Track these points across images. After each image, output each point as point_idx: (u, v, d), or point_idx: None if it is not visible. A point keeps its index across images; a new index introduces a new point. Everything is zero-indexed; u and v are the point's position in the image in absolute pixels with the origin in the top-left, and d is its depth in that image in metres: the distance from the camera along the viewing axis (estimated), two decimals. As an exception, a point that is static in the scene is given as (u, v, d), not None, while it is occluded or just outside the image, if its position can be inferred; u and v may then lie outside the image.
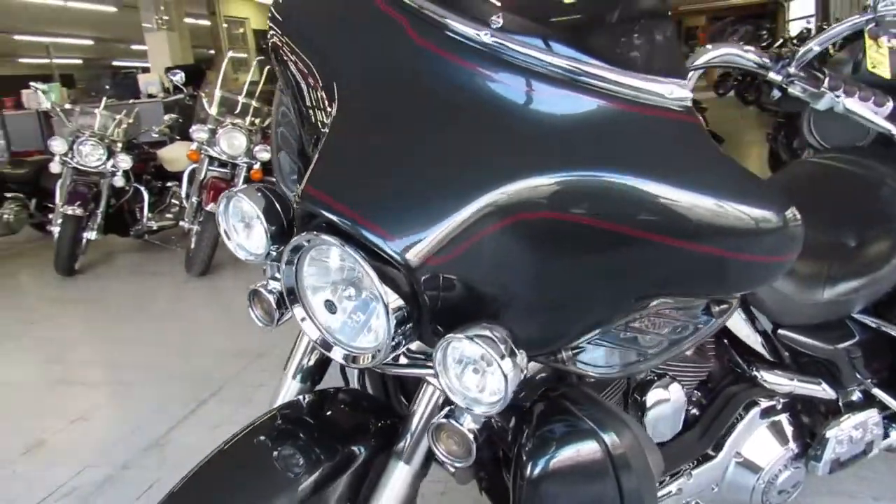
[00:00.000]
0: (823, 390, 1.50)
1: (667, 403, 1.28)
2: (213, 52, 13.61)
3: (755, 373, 1.47)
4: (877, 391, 1.56)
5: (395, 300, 0.88)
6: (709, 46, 1.06)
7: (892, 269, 1.44)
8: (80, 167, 4.90)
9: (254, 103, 4.76)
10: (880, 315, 1.53)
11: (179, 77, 5.28)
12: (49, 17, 13.35)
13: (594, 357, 1.03)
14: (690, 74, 1.08)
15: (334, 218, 0.89)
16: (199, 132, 4.54)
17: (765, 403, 1.46)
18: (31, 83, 5.43)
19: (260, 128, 4.74)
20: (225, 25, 13.73)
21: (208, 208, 4.44)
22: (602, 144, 0.89)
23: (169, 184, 5.67)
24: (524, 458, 1.01)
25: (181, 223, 4.96)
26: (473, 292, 0.92)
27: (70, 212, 4.78)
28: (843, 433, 1.49)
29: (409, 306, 0.90)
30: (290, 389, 1.23)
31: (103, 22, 14.50)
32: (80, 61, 22.21)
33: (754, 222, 0.88)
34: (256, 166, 4.64)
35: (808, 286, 1.42)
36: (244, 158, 4.60)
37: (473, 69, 0.93)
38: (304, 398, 1.20)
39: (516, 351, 0.89)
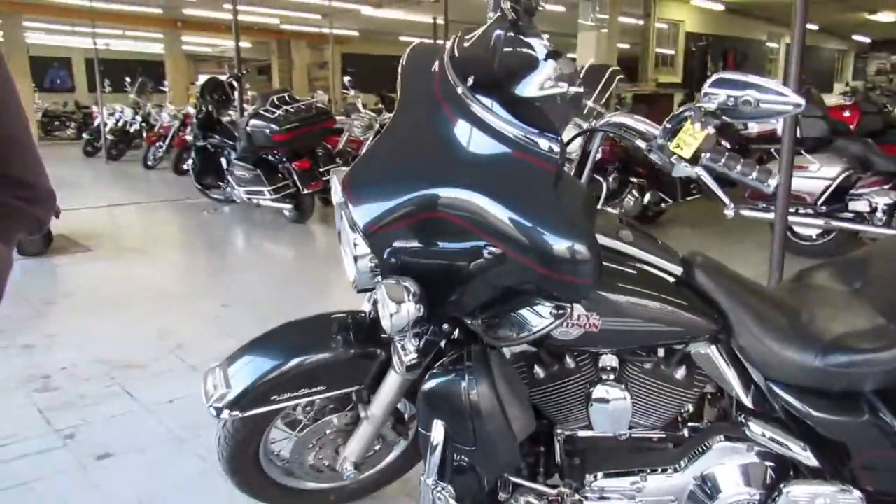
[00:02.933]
0: (807, 457, 1.51)
1: (606, 404, 1.54)
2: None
3: (741, 417, 1.57)
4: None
5: (362, 249, 1.44)
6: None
7: (892, 356, 1.38)
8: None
9: (598, 108, 5.27)
10: (887, 400, 1.45)
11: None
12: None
13: (491, 328, 1.42)
14: (601, 134, 1.35)
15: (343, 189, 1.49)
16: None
17: (740, 444, 1.56)
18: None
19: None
20: (658, 27, 14.21)
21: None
22: (495, 175, 1.30)
23: None
24: (425, 378, 1.48)
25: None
26: (408, 257, 1.41)
27: None
28: (802, 495, 1.48)
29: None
30: (364, 305, 1.84)
31: (554, 18, 16.19)
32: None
33: (569, 253, 1.22)
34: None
35: (802, 348, 1.46)
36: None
37: (449, 113, 1.40)
38: (370, 312, 1.80)
39: (408, 302, 1.35)
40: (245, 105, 8.24)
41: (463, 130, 1.35)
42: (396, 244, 1.40)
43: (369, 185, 1.46)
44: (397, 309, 1.36)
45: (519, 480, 1.61)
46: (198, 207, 7.40)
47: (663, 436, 1.66)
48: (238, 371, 1.69)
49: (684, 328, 1.50)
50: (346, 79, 7.55)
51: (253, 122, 6.13)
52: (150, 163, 10.46)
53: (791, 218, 5.13)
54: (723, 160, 1.21)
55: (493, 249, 1.30)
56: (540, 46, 1.33)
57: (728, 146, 5.92)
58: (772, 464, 1.56)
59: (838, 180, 4.82)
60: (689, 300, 1.51)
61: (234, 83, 7.41)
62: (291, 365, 1.67)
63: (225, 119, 7.17)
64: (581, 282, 1.25)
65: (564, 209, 1.25)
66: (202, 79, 7.84)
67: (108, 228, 6.51)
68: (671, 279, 1.53)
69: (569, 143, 1.35)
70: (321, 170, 6.30)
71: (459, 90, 1.37)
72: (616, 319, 1.44)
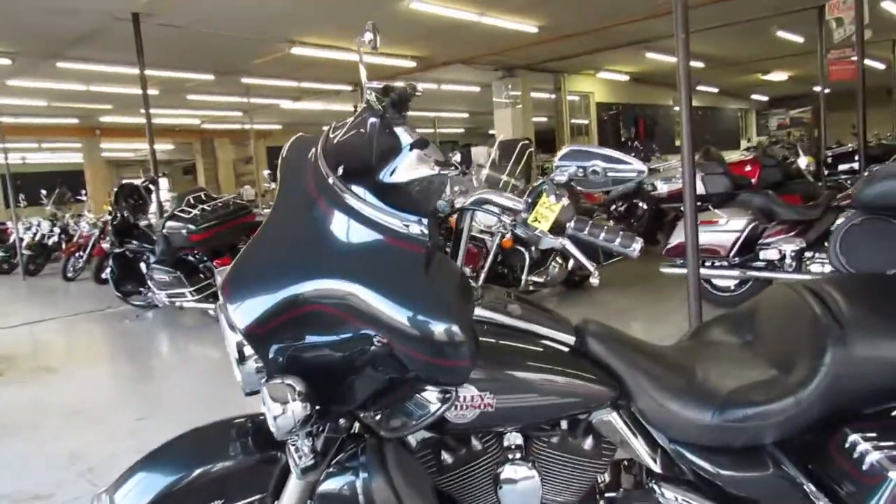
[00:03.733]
0: None
1: (514, 484, 1.49)
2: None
3: (652, 483, 1.54)
4: None
5: (246, 350, 1.38)
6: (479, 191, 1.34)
7: (785, 406, 1.39)
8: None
9: (512, 181, 5.41)
10: (789, 452, 1.45)
11: (458, 157, 6.17)
12: (430, 95, 16.04)
13: (383, 420, 1.37)
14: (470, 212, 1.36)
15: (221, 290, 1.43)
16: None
17: None
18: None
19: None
20: (570, 99, 14.90)
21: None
22: (366, 262, 1.28)
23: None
24: (321, 478, 1.40)
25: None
26: (293, 354, 1.36)
27: None
28: None
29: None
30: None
31: (472, 98, 16.82)
32: (462, 130, 25.84)
33: (439, 335, 1.19)
34: (508, 236, 5.25)
35: (699, 407, 1.45)
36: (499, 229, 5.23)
37: (320, 203, 1.38)
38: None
39: (292, 401, 1.29)
40: (168, 206, 8.13)
41: (334, 220, 1.33)
42: (280, 342, 1.35)
43: (246, 283, 1.42)
44: (282, 410, 1.29)
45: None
46: (119, 316, 7.14)
47: None
48: (126, 495, 1.56)
49: (582, 398, 1.48)
50: (266, 172, 7.56)
51: (169, 223, 6.02)
52: (70, 274, 10.11)
53: (708, 271, 5.30)
54: (587, 229, 1.23)
55: (377, 339, 1.26)
56: (404, 135, 1.35)
57: (644, 207, 6.11)
58: (688, 527, 1.53)
59: (745, 232, 5.02)
60: (584, 369, 1.49)
61: (151, 186, 7.31)
62: (185, 480, 1.56)
63: (142, 223, 7.02)
64: (458, 363, 1.22)
65: (435, 292, 1.23)
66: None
67: (21, 348, 6.18)
68: (565, 349, 1.52)
69: (440, 224, 1.35)
70: (244, 266, 6.18)
71: (330, 180, 1.36)
72: (511, 396, 1.41)
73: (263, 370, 1.40)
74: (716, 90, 19.95)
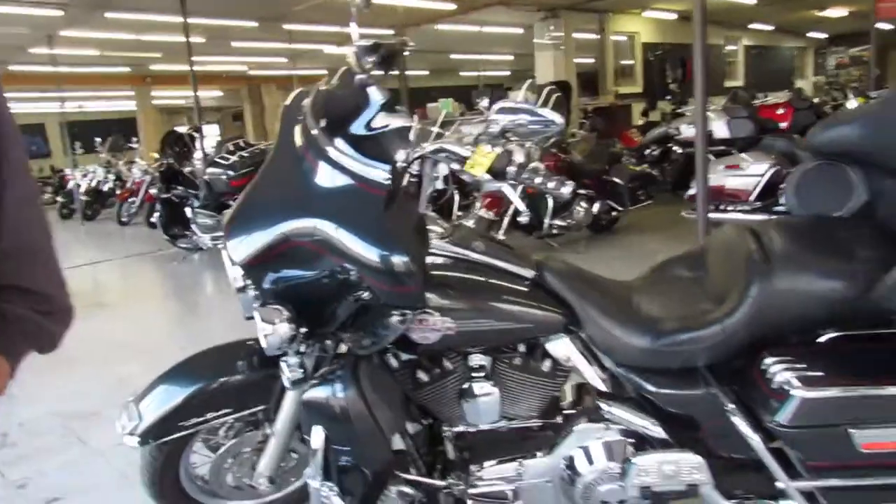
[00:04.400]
0: (658, 431, 1.67)
1: (475, 398, 1.71)
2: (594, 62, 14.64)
3: (598, 401, 1.74)
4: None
5: (242, 279, 1.61)
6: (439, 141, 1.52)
7: (712, 333, 1.56)
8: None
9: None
10: (718, 374, 1.63)
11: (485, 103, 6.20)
12: (474, 38, 15.90)
13: (357, 340, 1.59)
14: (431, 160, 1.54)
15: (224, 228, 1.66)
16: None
17: (599, 425, 1.73)
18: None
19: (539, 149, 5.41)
20: (614, 40, 14.60)
21: (480, 212, 5.35)
22: (338, 203, 1.48)
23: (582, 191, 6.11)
24: (306, 389, 1.64)
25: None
26: (283, 284, 1.59)
27: (483, 213, 5.47)
28: (650, 464, 1.64)
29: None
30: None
31: (517, 40, 16.60)
32: (508, 73, 25.52)
33: (394, 266, 1.40)
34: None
35: (640, 333, 1.63)
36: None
37: (305, 152, 1.58)
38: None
39: (279, 323, 1.52)
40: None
41: (316, 167, 1.54)
42: (270, 274, 1.58)
43: (243, 222, 1.64)
44: (272, 330, 1.52)
45: (410, 476, 1.76)
46: (168, 258, 7.57)
47: (541, 424, 1.82)
48: (149, 403, 1.85)
49: (535, 324, 1.67)
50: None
51: (210, 170, 6.34)
52: (124, 219, 10.61)
53: (728, 215, 5.33)
54: (524, 174, 1.40)
55: (351, 271, 1.48)
56: (376, 94, 1.53)
57: (679, 152, 6.12)
58: (631, 440, 1.73)
59: (766, 176, 5.03)
60: (538, 299, 1.68)
61: (194, 134, 7.62)
62: (197, 391, 1.83)
63: (187, 170, 7.36)
64: (409, 290, 1.43)
65: (391, 229, 1.43)
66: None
67: (80, 287, 6.65)
68: (525, 282, 1.71)
69: (403, 171, 1.54)
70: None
71: (314, 131, 1.56)
72: (470, 322, 1.62)
73: (259, 298, 1.63)
74: (771, 28, 19.16)
